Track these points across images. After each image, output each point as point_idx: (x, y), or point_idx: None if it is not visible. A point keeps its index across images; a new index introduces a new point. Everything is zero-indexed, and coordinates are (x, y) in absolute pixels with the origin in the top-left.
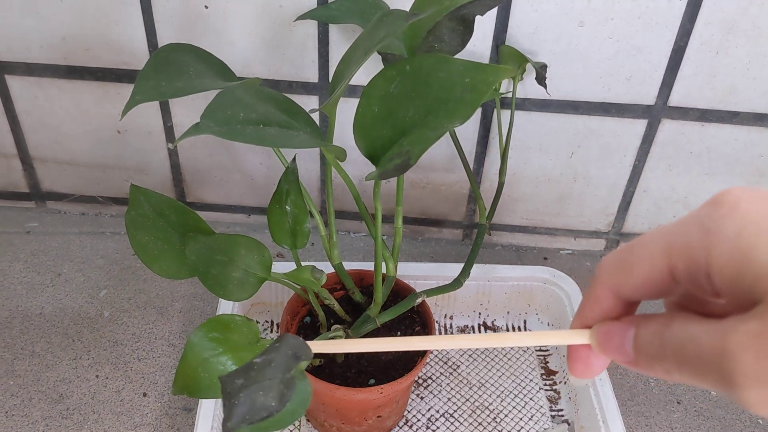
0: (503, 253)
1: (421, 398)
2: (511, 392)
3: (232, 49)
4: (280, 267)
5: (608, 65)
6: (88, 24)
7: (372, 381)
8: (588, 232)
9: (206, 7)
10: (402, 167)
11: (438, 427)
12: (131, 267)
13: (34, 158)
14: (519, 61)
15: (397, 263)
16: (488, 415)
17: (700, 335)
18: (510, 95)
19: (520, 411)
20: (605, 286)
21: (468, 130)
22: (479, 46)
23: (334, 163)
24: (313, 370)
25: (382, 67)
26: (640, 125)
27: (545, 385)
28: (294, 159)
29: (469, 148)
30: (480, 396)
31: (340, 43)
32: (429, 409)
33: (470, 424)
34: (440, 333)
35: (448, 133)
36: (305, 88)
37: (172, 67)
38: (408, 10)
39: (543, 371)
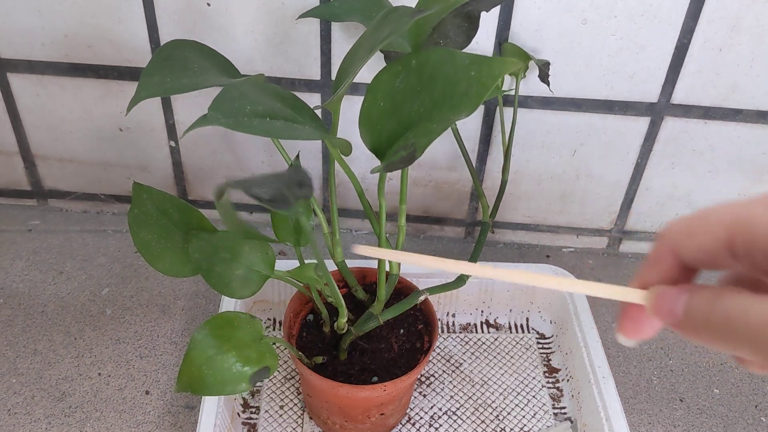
0: (505, 250)
1: (424, 396)
2: (513, 390)
3: (235, 47)
4: (282, 265)
5: (611, 63)
6: (89, 21)
7: (375, 378)
8: (590, 230)
9: (209, 4)
10: (407, 159)
11: (441, 425)
12: (133, 265)
13: (36, 156)
14: (522, 58)
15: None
16: (491, 413)
17: (749, 307)
18: (513, 93)
19: (522, 409)
20: (667, 247)
21: (471, 128)
22: (482, 43)
23: (338, 157)
24: (317, 368)
25: (384, 64)
26: (643, 123)
27: (548, 382)
28: (297, 156)
29: (472, 146)
30: (483, 394)
31: (342, 40)
32: (432, 407)
33: (473, 422)
34: (442, 331)
35: (450, 130)
36: (307, 85)
37: (177, 64)
38: (411, 7)
39: (545, 369)
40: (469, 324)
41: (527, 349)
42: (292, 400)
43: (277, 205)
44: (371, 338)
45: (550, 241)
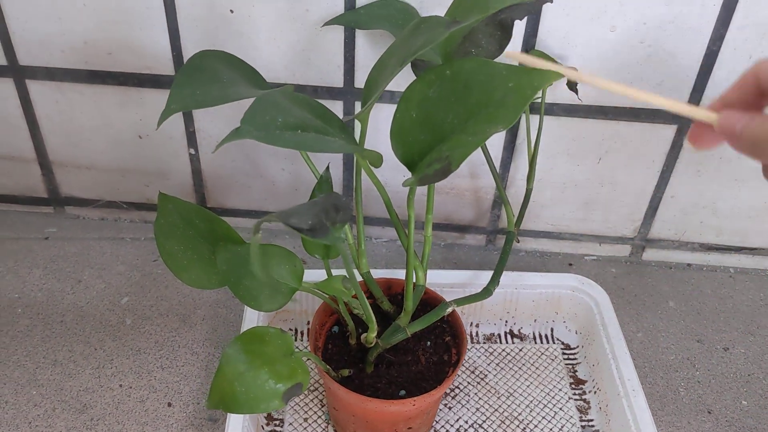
0: (527, 258)
1: (450, 408)
2: (540, 402)
3: (257, 54)
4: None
5: (639, 70)
6: (110, 28)
7: (402, 392)
8: (613, 238)
9: (231, 11)
10: (442, 173)
11: None
12: (152, 273)
13: (54, 163)
14: None
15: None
16: (517, 426)
17: None
18: (539, 100)
19: (549, 421)
20: (754, 72)
21: (495, 136)
22: (509, 50)
23: (367, 169)
24: (343, 381)
25: (410, 73)
26: (669, 130)
27: (574, 394)
28: (327, 168)
29: (496, 153)
30: (509, 406)
31: (366, 48)
32: (458, 420)
33: None
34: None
35: None
36: (330, 93)
37: (206, 75)
38: (437, 15)
39: (572, 380)
40: (493, 334)
41: (552, 360)
42: (316, 413)
43: (317, 234)
44: (398, 350)
45: (572, 249)
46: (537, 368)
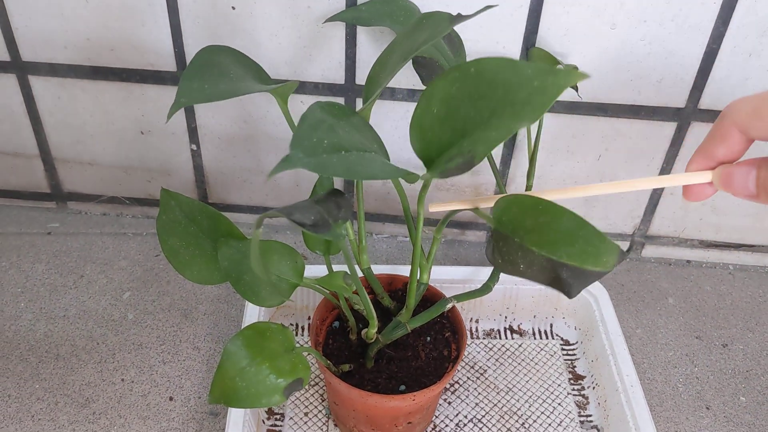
0: None
1: (449, 403)
2: (539, 397)
3: (259, 51)
4: (307, 271)
5: (639, 68)
6: (113, 25)
7: (402, 387)
8: (613, 235)
9: (233, 8)
10: (465, 166)
11: None
12: (154, 269)
13: (56, 159)
14: (550, 63)
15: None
16: (516, 420)
17: None
18: None
19: (548, 416)
20: (736, 126)
21: None
22: (509, 48)
23: (397, 185)
24: (344, 376)
25: (411, 70)
26: (669, 128)
27: (573, 390)
28: None
29: (496, 150)
30: (508, 401)
31: (367, 44)
32: (457, 414)
33: (499, 429)
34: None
35: None
36: (331, 89)
37: (215, 70)
38: (446, 12)
39: (570, 376)
40: (493, 330)
41: (551, 355)
42: (316, 407)
43: (319, 229)
44: (398, 346)
45: None
46: (536, 364)
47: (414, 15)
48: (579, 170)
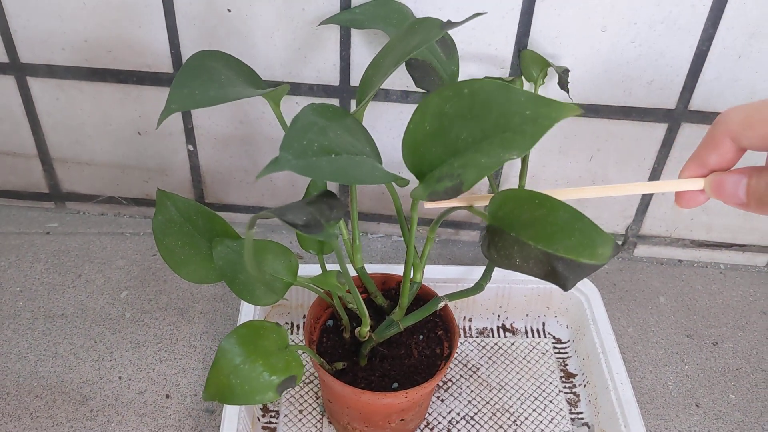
0: None
1: (442, 401)
2: (531, 395)
3: (254, 52)
4: (302, 270)
5: (630, 69)
6: (110, 26)
7: (395, 385)
8: None
9: (229, 10)
10: (453, 192)
11: (459, 430)
12: (151, 268)
13: (55, 159)
14: (541, 65)
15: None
16: (508, 418)
17: None
18: None
19: (540, 414)
20: (728, 135)
21: None
22: (501, 50)
23: (389, 186)
24: (337, 374)
25: (404, 71)
26: (660, 129)
27: (564, 387)
28: None
29: None
30: (500, 399)
31: (362, 46)
32: (450, 412)
33: (491, 426)
34: (459, 335)
35: None
36: (326, 91)
37: (205, 75)
38: (438, 18)
39: (562, 374)
40: (486, 328)
41: (544, 353)
42: (311, 404)
43: (311, 230)
44: (391, 344)
45: None
46: (528, 362)
47: (407, 18)
48: (571, 171)
